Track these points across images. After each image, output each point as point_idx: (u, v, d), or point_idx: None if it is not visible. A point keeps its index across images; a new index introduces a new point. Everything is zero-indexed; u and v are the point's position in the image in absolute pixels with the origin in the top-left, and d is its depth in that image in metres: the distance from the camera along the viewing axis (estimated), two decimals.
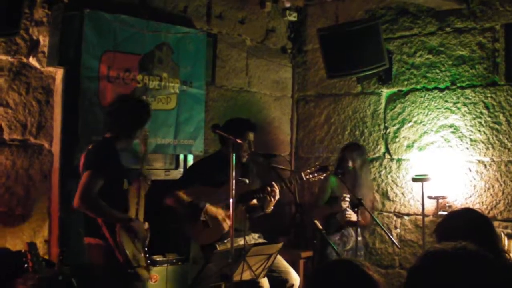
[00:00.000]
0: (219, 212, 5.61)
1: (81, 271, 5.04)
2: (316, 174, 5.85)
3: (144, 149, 5.37)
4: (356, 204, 5.92)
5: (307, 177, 5.83)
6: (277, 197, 5.70)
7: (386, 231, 6.10)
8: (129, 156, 5.88)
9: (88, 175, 4.74)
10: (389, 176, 7.23)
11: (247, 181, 5.64)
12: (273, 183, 5.64)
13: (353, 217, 6.06)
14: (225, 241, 5.59)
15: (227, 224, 5.56)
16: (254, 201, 5.93)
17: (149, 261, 5.01)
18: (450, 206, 6.64)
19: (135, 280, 4.82)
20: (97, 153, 4.91)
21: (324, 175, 5.94)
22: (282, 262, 5.83)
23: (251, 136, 5.83)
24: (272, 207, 5.79)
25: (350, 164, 6.32)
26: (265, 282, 5.60)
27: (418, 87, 7.04)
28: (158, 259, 6.06)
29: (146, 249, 5.03)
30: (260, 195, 5.73)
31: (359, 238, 6.34)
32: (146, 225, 5.13)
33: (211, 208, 5.60)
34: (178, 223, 5.86)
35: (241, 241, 5.35)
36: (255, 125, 6.00)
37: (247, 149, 5.74)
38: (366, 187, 6.58)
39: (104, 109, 5.59)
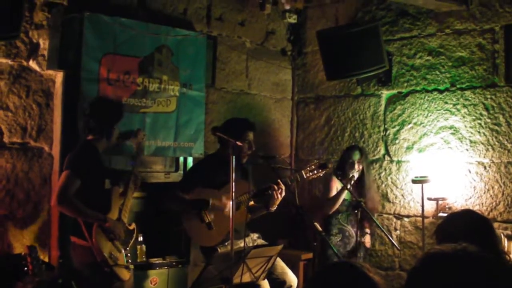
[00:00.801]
0: (223, 201, 5.58)
1: (80, 274, 5.04)
2: (316, 172, 5.84)
3: (136, 151, 5.45)
4: (356, 206, 5.94)
5: (307, 175, 5.82)
6: (284, 194, 5.69)
7: (386, 233, 6.10)
8: (126, 158, 5.92)
9: (65, 175, 4.86)
10: (389, 178, 7.24)
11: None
12: (279, 180, 5.63)
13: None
14: (226, 243, 5.59)
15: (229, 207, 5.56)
16: (252, 202, 5.92)
17: (129, 261, 5.04)
18: (450, 208, 6.64)
19: (113, 279, 4.86)
20: (76, 154, 5.03)
21: (324, 172, 5.94)
22: (279, 263, 5.82)
23: (250, 136, 5.82)
24: (276, 206, 5.78)
25: (357, 167, 6.31)
26: (265, 284, 5.59)
27: (418, 88, 7.04)
28: (158, 261, 6.07)
29: (127, 249, 5.06)
30: (268, 192, 5.72)
31: (366, 239, 6.38)
32: (132, 226, 5.22)
33: (215, 201, 5.57)
34: (181, 225, 5.85)
35: (241, 243, 5.34)
36: (253, 124, 5.98)
37: (247, 150, 5.74)
38: (373, 189, 6.61)
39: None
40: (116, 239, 4.96)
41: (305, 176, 5.82)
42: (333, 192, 6.34)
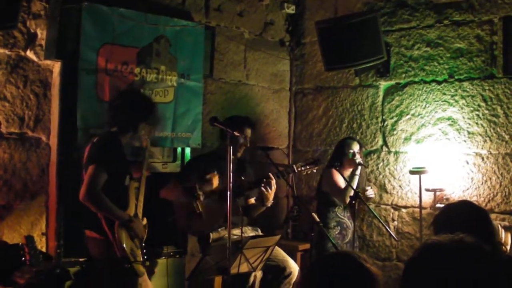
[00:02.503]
0: (207, 176, 5.60)
1: (78, 265, 5.05)
2: (308, 167, 5.87)
3: (146, 143, 5.41)
4: (353, 197, 5.95)
5: (299, 169, 5.86)
6: (274, 187, 5.71)
7: (384, 224, 6.11)
8: (131, 150, 5.91)
9: (93, 168, 4.74)
10: (386, 168, 7.24)
11: (242, 178, 5.69)
12: (270, 174, 5.65)
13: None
14: (219, 229, 5.61)
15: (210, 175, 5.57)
16: (252, 200, 5.94)
17: (145, 257, 5.02)
18: (447, 199, 6.65)
19: (131, 275, 4.83)
20: (102, 146, 4.91)
21: (316, 168, 5.96)
22: (280, 252, 5.87)
23: (248, 132, 5.86)
24: (272, 200, 5.80)
25: (359, 156, 6.31)
26: (259, 275, 5.62)
27: (416, 79, 7.04)
28: (156, 252, 6.07)
29: (143, 245, 5.04)
30: (256, 187, 5.74)
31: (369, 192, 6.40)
32: (145, 221, 5.16)
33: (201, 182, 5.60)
34: (174, 215, 5.88)
35: (235, 231, 5.33)
36: (254, 123, 6.03)
37: (242, 144, 5.76)
38: (367, 179, 6.64)
39: (102, 102, 5.64)
40: (135, 236, 4.94)
41: (296, 171, 5.84)
42: (340, 183, 6.31)
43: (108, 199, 4.74)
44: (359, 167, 6.29)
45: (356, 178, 6.25)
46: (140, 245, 4.99)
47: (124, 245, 4.75)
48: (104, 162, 4.77)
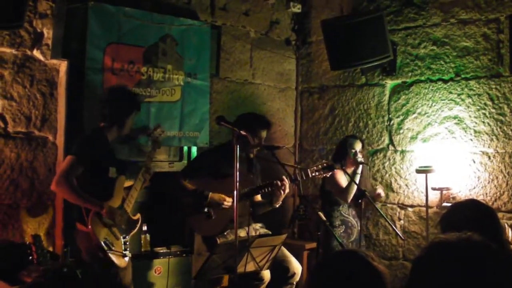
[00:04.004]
0: (221, 196, 5.59)
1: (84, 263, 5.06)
2: (322, 172, 5.83)
3: (152, 145, 5.47)
4: (359, 196, 5.94)
5: (313, 174, 5.81)
6: (287, 191, 5.69)
7: (390, 223, 6.10)
8: (133, 150, 5.92)
9: (69, 159, 4.87)
10: (393, 167, 7.23)
11: (252, 176, 5.67)
12: (284, 177, 5.61)
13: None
14: (225, 233, 5.59)
15: (227, 203, 5.56)
16: (259, 197, 5.93)
17: (127, 249, 5.03)
18: (454, 198, 6.64)
19: (109, 266, 4.84)
20: (84, 140, 5.04)
21: (330, 173, 5.93)
22: (284, 252, 5.85)
23: (264, 134, 5.82)
24: (281, 202, 5.79)
25: (361, 155, 6.28)
26: (266, 273, 5.61)
27: (422, 78, 7.03)
28: (161, 251, 6.08)
29: (126, 237, 5.05)
30: (269, 189, 5.72)
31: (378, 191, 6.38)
32: (137, 216, 5.20)
33: (214, 195, 5.59)
34: (181, 213, 5.88)
35: (241, 233, 5.32)
36: (269, 123, 5.99)
37: (256, 145, 5.73)
38: (370, 178, 6.62)
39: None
40: (114, 226, 4.96)
41: (310, 176, 5.81)
42: (342, 182, 6.30)
43: (86, 191, 4.83)
44: (360, 166, 6.25)
45: (358, 177, 6.22)
46: (122, 236, 5.01)
47: (97, 234, 4.79)
48: (81, 155, 4.88)
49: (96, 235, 4.78)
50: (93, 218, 4.82)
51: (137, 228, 5.21)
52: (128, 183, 5.21)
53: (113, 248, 4.85)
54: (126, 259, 4.99)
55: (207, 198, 5.56)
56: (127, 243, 5.03)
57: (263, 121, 5.92)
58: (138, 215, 5.24)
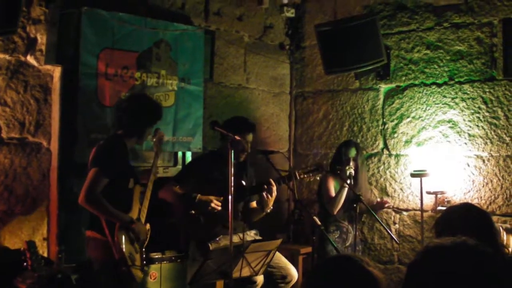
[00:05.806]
0: (209, 198, 5.55)
1: (80, 269, 5.03)
2: (311, 174, 5.83)
3: (155, 150, 5.38)
4: (354, 200, 5.93)
5: (301, 176, 5.81)
6: (275, 194, 5.68)
7: (385, 227, 6.11)
8: (131, 155, 5.90)
9: (94, 172, 4.72)
10: (387, 171, 7.24)
11: (244, 182, 5.66)
12: (271, 180, 5.62)
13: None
14: (217, 239, 5.58)
15: (215, 204, 5.52)
16: (254, 204, 5.93)
17: (144, 262, 4.99)
18: (448, 201, 6.64)
19: (128, 279, 4.79)
20: (106, 150, 4.89)
21: (320, 175, 5.93)
22: (281, 259, 5.84)
23: (250, 137, 5.82)
24: (272, 207, 5.77)
25: (352, 164, 6.21)
26: (259, 276, 5.60)
27: (416, 82, 7.04)
28: (156, 256, 6.05)
29: (143, 250, 5.01)
30: (257, 193, 5.71)
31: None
32: (148, 226, 5.12)
33: (202, 197, 5.55)
34: (174, 218, 5.87)
35: (235, 238, 5.30)
36: (254, 126, 5.99)
37: (244, 149, 5.72)
38: (367, 182, 6.60)
39: (103, 106, 5.69)
40: (137, 240, 4.91)
41: (298, 178, 5.80)
42: (332, 191, 6.29)
43: (109, 202, 4.70)
44: (351, 177, 6.18)
45: (345, 191, 6.18)
46: (140, 249, 4.96)
47: (123, 248, 4.71)
48: (106, 166, 4.74)
49: (122, 249, 4.70)
50: (120, 231, 4.74)
51: (148, 239, 5.13)
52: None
53: (135, 263, 4.81)
54: (143, 272, 4.95)
55: (195, 199, 5.52)
56: (143, 255, 4.99)
57: (248, 124, 5.90)
58: (148, 225, 5.15)
